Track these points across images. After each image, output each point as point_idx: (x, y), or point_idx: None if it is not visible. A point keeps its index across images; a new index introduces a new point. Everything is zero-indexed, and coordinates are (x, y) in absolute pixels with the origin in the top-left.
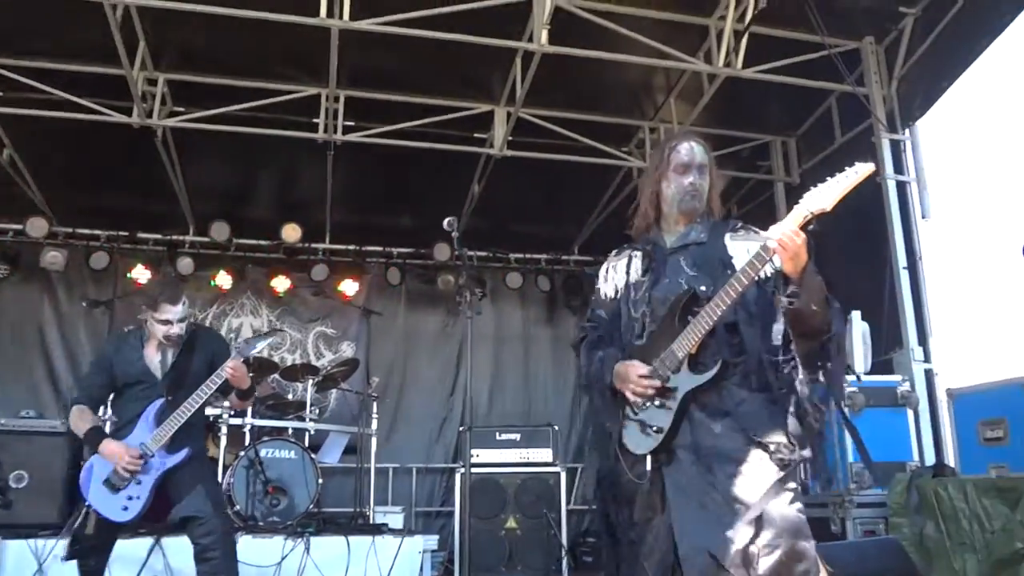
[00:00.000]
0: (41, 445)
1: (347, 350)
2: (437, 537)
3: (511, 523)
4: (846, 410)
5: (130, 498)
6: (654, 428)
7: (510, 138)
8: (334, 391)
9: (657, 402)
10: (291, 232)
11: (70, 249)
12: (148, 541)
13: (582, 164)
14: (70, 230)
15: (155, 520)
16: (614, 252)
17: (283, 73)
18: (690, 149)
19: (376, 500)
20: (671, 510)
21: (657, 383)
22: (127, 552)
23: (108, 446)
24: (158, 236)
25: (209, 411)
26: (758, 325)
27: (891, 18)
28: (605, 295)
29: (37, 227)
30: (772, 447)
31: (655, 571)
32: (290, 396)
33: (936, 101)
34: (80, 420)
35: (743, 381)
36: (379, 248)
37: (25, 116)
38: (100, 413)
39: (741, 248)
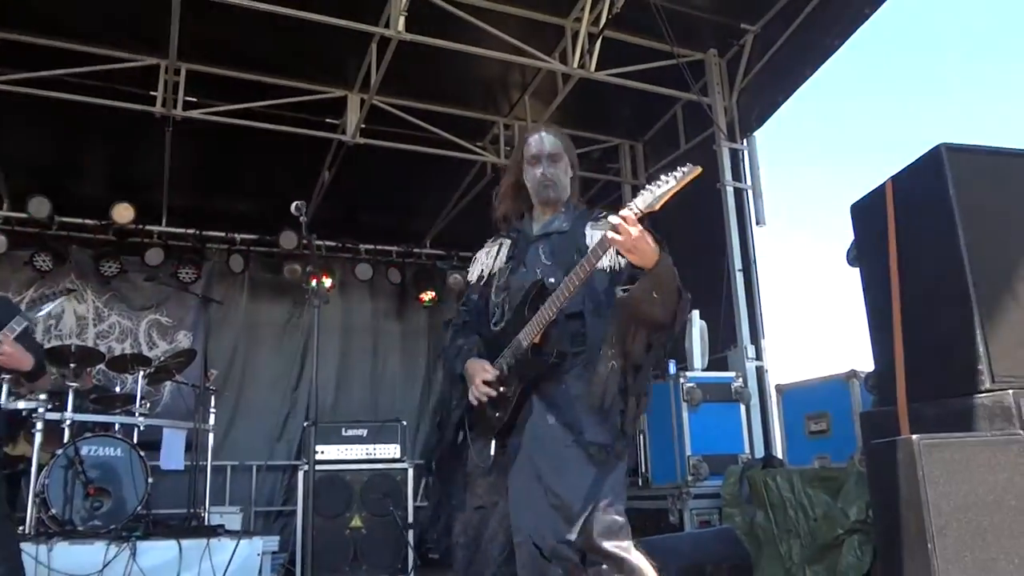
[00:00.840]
0: None
1: (183, 340)
2: (278, 538)
3: (356, 521)
4: (684, 404)
5: None
6: (496, 414)
7: (363, 126)
8: (168, 384)
9: (502, 389)
10: (123, 212)
11: None
12: None
13: (437, 156)
14: None
15: None
16: (491, 238)
17: (118, 40)
18: (539, 140)
19: (212, 500)
20: (509, 496)
21: (494, 392)
22: None
23: None
24: None
25: (22, 404)
26: (605, 315)
27: (734, 33)
28: (472, 279)
29: None
30: (593, 449)
31: (496, 554)
32: (118, 389)
33: (772, 114)
34: None
35: (583, 372)
36: (221, 234)
37: None
38: None
39: (599, 237)
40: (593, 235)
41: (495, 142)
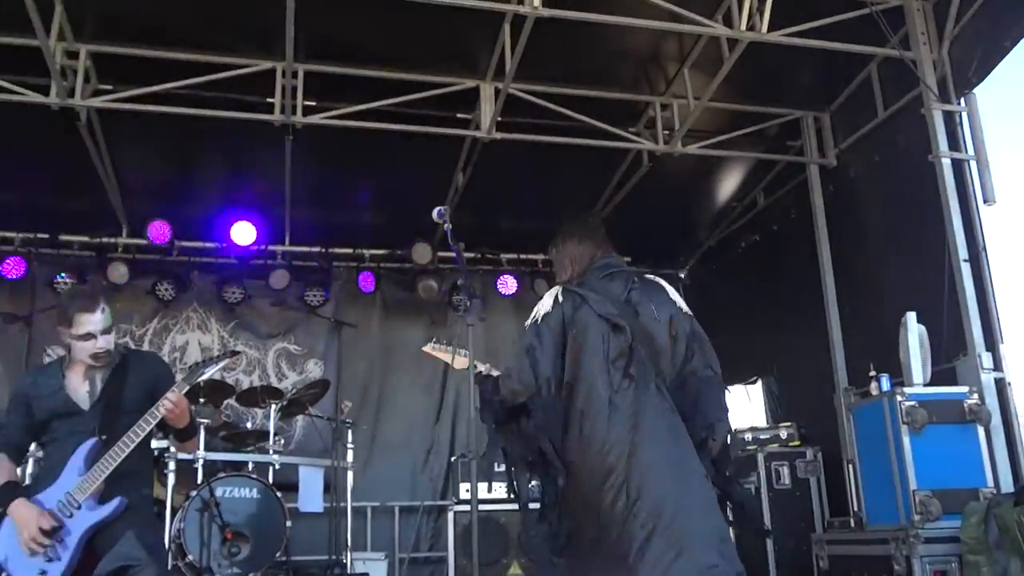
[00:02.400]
0: None
1: (314, 370)
2: None
3: (515, 569)
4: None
5: (50, 560)
6: None
7: (499, 119)
8: (300, 418)
9: None
10: (244, 233)
11: None
12: None
13: (584, 148)
14: None
15: (78, 574)
16: None
17: (231, 45)
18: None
19: (354, 545)
20: None
21: None
22: None
23: (18, 509)
24: (85, 239)
25: (154, 444)
26: None
27: None
28: None
29: None
30: None
31: None
32: (248, 425)
33: (996, 65)
34: None
35: None
36: (348, 250)
37: None
38: (24, 461)
39: None
40: None
41: (651, 126)
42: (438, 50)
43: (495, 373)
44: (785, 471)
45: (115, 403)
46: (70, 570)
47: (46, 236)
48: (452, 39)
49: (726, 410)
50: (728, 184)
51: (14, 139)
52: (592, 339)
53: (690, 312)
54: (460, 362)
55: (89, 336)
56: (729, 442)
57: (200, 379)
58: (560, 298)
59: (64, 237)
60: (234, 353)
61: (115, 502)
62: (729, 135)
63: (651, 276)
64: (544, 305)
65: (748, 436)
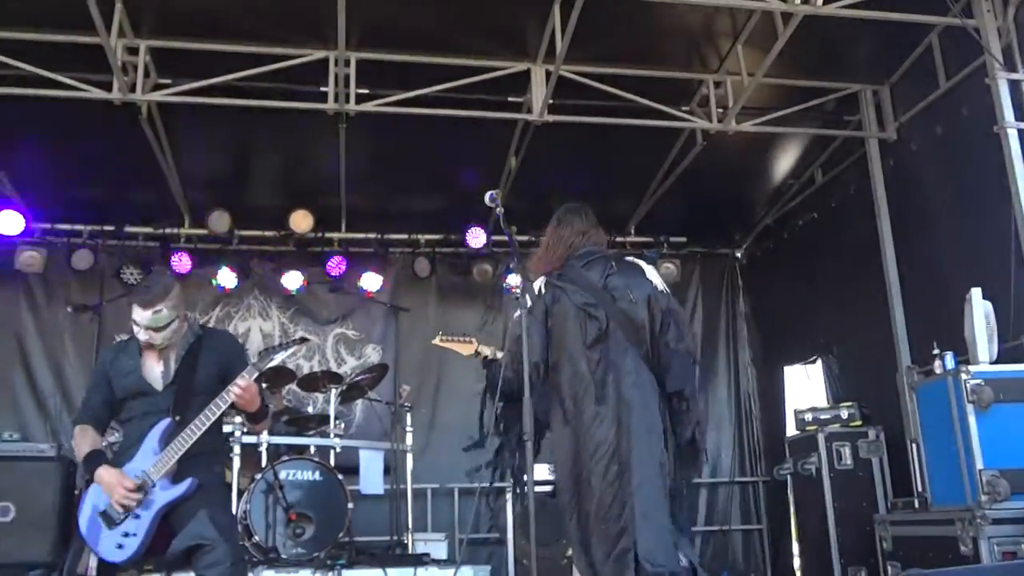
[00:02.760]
0: (28, 472)
1: (372, 354)
2: (488, 568)
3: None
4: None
5: (126, 535)
6: None
7: (551, 101)
8: (359, 402)
9: None
10: (301, 220)
11: (48, 248)
12: None
13: (636, 128)
14: (48, 226)
15: (159, 552)
16: None
17: (284, 36)
18: None
19: (414, 526)
20: None
21: None
22: None
23: (102, 474)
24: (148, 230)
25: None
26: None
27: None
28: None
29: (10, 224)
30: None
31: None
32: (309, 409)
33: None
34: (81, 441)
35: None
36: (404, 236)
37: None
38: (107, 433)
39: None
40: None
41: (704, 104)
42: (488, 34)
43: (499, 355)
44: (847, 452)
45: (188, 384)
46: (145, 545)
47: (111, 228)
48: (502, 23)
49: (694, 377)
50: (784, 161)
51: (80, 135)
52: (571, 326)
53: (667, 290)
54: (467, 348)
55: (135, 325)
56: (698, 404)
57: (269, 365)
58: (543, 290)
59: (129, 229)
60: (303, 340)
61: (187, 482)
62: (785, 111)
63: (630, 259)
64: (529, 297)
65: (808, 416)
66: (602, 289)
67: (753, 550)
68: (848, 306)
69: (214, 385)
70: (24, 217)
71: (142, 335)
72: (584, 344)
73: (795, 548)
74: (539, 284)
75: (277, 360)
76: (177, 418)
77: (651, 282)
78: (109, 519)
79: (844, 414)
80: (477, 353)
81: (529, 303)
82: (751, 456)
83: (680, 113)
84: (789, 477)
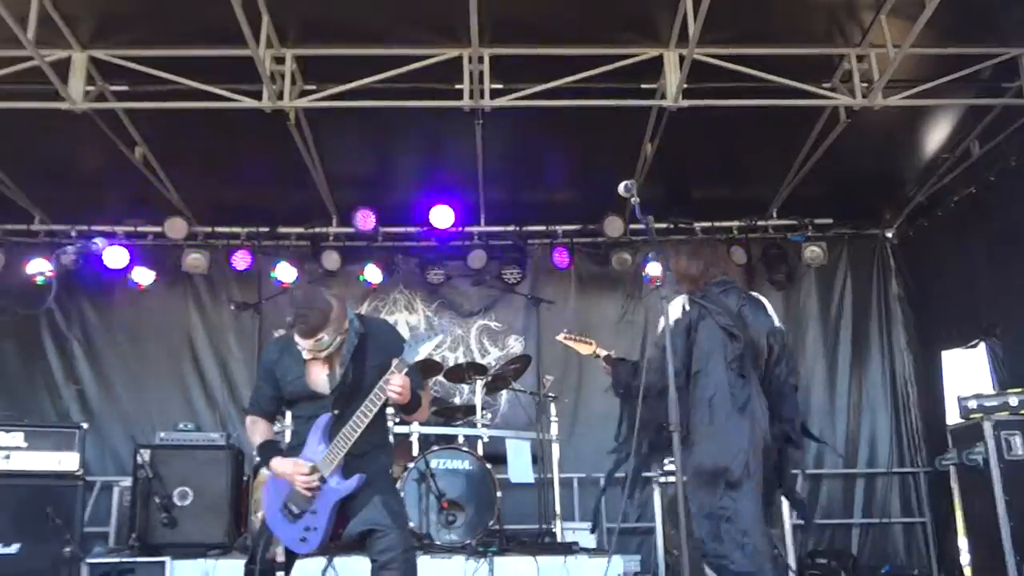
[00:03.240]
0: (203, 460)
1: (515, 345)
2: (638, 558)
3: None
4: None
5: (307, 529)
6: None
7: (685, 85)
8: (504, 393)
9: None
10: (443, 216)
11: (211, 250)
12: (320, 561)
13: (775, 109)
14: (209, 229)
15: (332, 538)
16: None
17: (419, 37)
18: None
19: (563, 515)
20: None
21: None
22: (296, 572)
23: (277, 464)
24: (300, 230)
25: None
26: None
27: None
28: None
29: (176, 228)
30: None
31: None
32: (456, 400)
33: None
34: (253, 431)
35: None
36: (541, 228)
37: (153, 110)
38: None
39: None
40: None
41: (847, 79)
42: (619, 22)
43: (612, 355)
44: (1017, 440)
45: (354, 385)
46: (327, 537)
47: (267, 229)
48: (632, 9)
49: (798, 410)
50: (936, 134)
51: (235, 143)
52: (715, 344)
53: (783, 328)
54: (587, 348)
55: (299, 347)
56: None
57: (414, 358)
58: (687, 307)
59: (282, 229)
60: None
61: (357, 478)
62: (935, 82)
63: (755, 294)
64: (674, 312)
65: (972, 403)
66: (738, 315)
67: (916, 544)
68: (1012, 286)
69: (378, 380)
70: (188, 222)
71: (307, 355)
72: (726, 360)
73: (962, 543)
74: (683, 300)
75: (423, 354)
76: (336, 412)
77: (772, 318)
78: (291, 512)
79: (1013, 401)
80: (596, 354)
81: (673, 318)
82: (910, 445)
83: (821, 90)
84: (952, 468)
